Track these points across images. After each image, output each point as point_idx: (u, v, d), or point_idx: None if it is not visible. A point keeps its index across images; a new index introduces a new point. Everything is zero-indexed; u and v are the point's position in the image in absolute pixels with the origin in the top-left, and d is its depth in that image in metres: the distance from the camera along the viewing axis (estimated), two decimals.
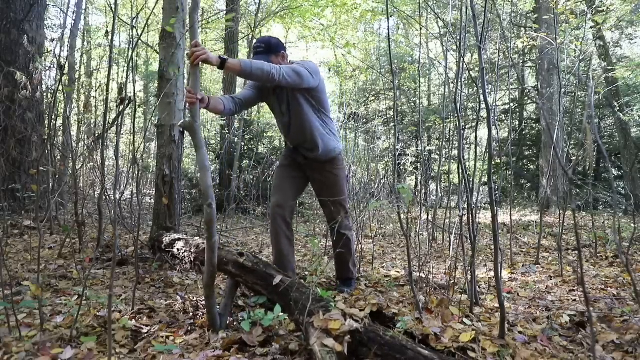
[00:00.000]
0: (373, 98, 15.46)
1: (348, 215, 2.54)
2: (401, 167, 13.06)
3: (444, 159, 8.59)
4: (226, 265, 2.11)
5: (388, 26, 2.37)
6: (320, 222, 5.95)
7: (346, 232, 2.50)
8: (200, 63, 1.76)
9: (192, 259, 2.69)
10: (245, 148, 8.10)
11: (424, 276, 2.65)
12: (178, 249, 2.81)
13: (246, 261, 2.04)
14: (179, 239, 2.86)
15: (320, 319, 1.49)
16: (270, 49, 2.28)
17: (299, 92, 2.27)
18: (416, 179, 13.53)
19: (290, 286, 1.81)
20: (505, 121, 12.79)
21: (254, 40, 2.51)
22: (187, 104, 1.98)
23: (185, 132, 3.06)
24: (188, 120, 1.77)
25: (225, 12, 8.78)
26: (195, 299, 2.13)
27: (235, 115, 8.38)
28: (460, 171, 2.34)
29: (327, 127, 2.41)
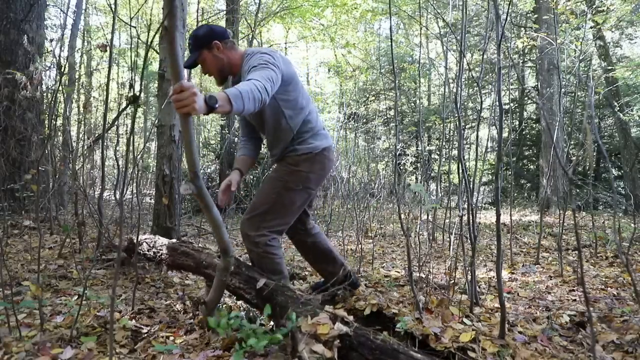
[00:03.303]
0: (373, 98, 15.47)
1: (269, 234, 1.90)
2: (401, 167, 13.06)
3: (444, 159, 8.60)
4: (206, 268, 2.02)
5: (390, 26, 2.36)
6: (320, 222, 5.95)
7: (247, 246, 1.93)
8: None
9: (162, 258, 2.60)
10: None
11: (424, 276, 2.65)
12: (148, 249, 2.72)
13: None
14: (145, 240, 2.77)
15: (308, 323, 1.43)
16: (199, 42, 1.84)
17: None
18: (416, 179, 13.52)
19: (274, 290, 1.74)
20: (506, 121, 12.79)
21: None
22: (221, 198, 1.94)
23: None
24: (191, 183, 1.48)
25: (225, 12, 8.78)
26: (195, 299, 2.13)
27: (235, 116, 8.38)
28: (460, 171, 2.34)
29: (294, 121, 1.91)
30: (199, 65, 1.93)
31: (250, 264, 1.99)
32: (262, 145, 2.27)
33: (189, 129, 1.38)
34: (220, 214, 1.63)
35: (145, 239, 2.68)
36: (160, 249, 2.60)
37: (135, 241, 2.54)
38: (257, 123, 2.02)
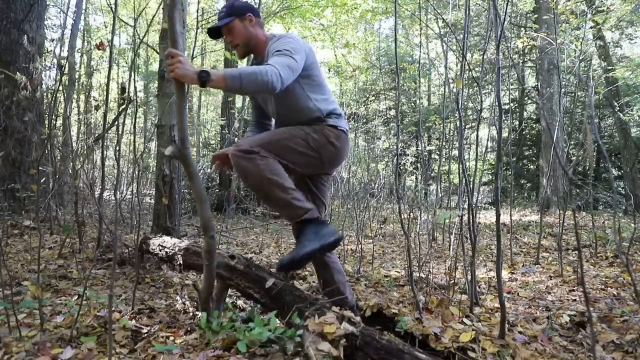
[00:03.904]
0: (373, 98, 15.48)
1: (260, 154, 1.71)
2: (401, 167, 13.07)
3: (444, 159, 8.60)
4: (217, 268, 2.00)
5: (395, 26, 2.36)
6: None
7: (234, 159, 1.73)
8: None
9: (181, 262, 2.64)
10: None
11: (424, 276, 2.65)
12: (166, 252, 2.76)
13: (237, 264, 1.94)
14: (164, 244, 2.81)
15: (315, 322, 1.45)
16: (233, 10, 1.85)
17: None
18: (416, 179, 13.53)
19: (283, 289, 1.76)
20: (505, 121, 12.79)
21: None
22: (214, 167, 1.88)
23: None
24: (176, 146, 1.57)
25: None
26: (195, 299, 2.13)
27: (236, 114, 8.38)
28: (461, 171, 2.34)
29: (321, 105, 1.89)
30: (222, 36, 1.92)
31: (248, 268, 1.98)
32: None
33: (181, 97, 1.54)
34: (203, 189, 1.67)
35: (163, 240, 2.80)
36: (172, 249, 2.66)
37: (137, 241, 2.54)
38: (279, 108, 1.93)
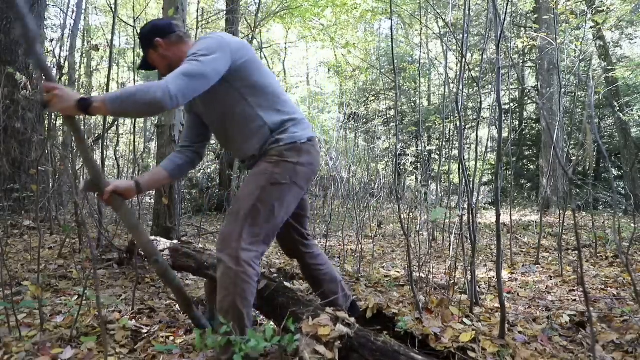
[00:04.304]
0: (373, 98, 15.48)
1: (253, 248, 1.52)
2: (401, 167, 13.07)
3: (444, 159, 8.60)
4: (207, 269, 2.01)
5: (391, 26, 2.35)
6: (320, 222, 5.95)
7: (222, 258, 1.50)
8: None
9: (171, 264, 2.61)
10: None
11: (424, 276, 2.65)
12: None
13: None
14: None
15: (309, 324, 1.42)
16: (143, 43, 1.67)
17: (218, 85, 1.54)
18: (416, 179, 13.53)
19: (276, 290, 1.73)
20: (505, 121, 12.81)
21: None
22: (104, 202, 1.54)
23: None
24: (87, 181, 1.47)
25: (225, 12, 8.78)
26: (195, 298, 2.13)
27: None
28: (461, 171, 2.34)
29: (263, 109, 1.61)
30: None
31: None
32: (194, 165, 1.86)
33: (77, 130, 1.41)
34: (134, 215, 1.52)
35: (156, 241, 2.74)
36: (162, 251, 2.63)
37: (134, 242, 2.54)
38: (216, 121, 1.70)
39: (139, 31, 1.72)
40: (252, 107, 1.59)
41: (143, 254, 1.59)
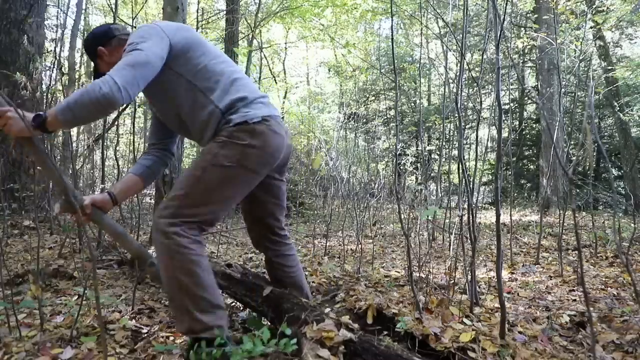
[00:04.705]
0: (373, 98, 15.48)
1: (182, 225, 1.45)
2: (401, 167, 13.08)
3: (444, 159, 8.60)
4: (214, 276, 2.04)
5: (392, 26, 2.35)
6: (320, 222, 5.95)
7: (154, 234, 1.47)
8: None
9: None
10: None
11: (424, 276, 2.65)
12: None
13: (234, 272, 1.93)
14: None
15: (314, 329, 1.44)
16: (89, 55, 1.63)
17: (164, 76, 1.49)
18: (416, 179, 13.54)
19: (280, 297, 1.74)
20: (505, 121, 12.82)
21: None
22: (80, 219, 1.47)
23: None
24: (61, 201, 1.41)
25: (225, 12, 8.78)
26: None
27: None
28: (460, 171, 2.34)
29: (214, 93, 1.52)
30: None
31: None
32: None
33: (38, 152, 1.33)
34: (119, 226, 1.46)
35: None
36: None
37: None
38: (171, 116, 1.63)
39: (83, 43, 1.67)
40: (203, 93, 1.51)
41: (137, 260, 1.56)
